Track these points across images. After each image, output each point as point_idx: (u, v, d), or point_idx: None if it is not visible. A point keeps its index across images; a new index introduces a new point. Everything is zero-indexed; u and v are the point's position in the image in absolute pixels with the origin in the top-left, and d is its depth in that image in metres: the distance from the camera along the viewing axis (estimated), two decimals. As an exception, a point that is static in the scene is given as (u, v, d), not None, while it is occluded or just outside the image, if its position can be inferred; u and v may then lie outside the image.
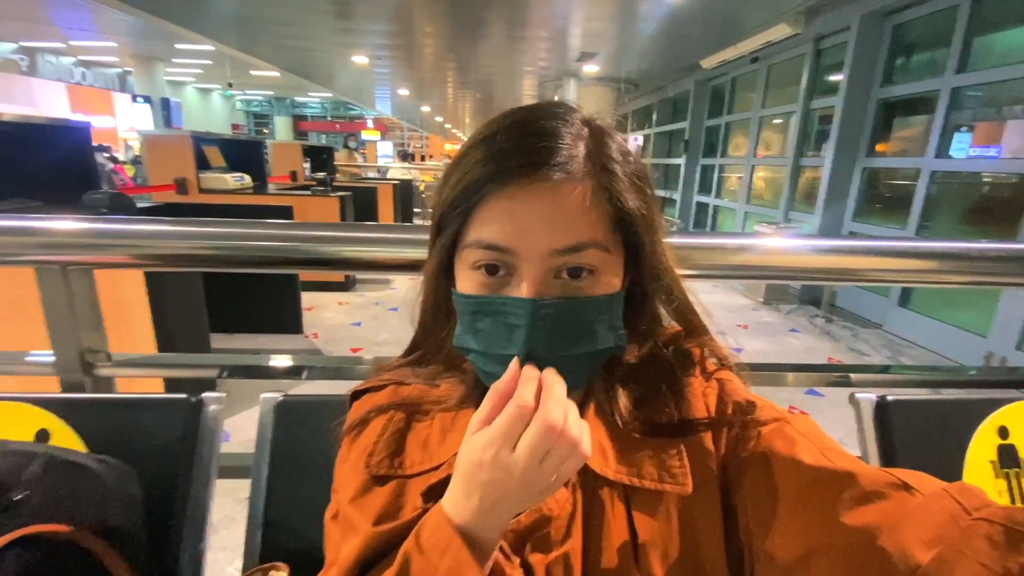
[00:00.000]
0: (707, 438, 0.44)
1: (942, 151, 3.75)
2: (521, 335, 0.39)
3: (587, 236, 0.40)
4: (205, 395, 0.71)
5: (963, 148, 3.70)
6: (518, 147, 0.40)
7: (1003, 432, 0.75)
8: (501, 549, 0.40)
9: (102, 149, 8.74)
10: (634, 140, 9.38)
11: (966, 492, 0.32)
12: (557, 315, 0.40)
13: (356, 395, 0.53)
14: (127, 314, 1.83)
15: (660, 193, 9.04)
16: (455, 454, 0.43)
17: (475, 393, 0.48)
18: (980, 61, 3.54)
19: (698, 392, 0.46)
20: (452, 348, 0.49)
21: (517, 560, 0.41)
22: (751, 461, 0.41)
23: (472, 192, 0.41)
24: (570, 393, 0.43)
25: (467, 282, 0.43)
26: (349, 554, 0.41)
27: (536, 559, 0.41)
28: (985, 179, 3.66)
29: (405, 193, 6.85)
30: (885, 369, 0.96)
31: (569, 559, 0.41)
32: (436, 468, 0.45)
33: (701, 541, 0.41)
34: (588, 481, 0.43)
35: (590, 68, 7.64)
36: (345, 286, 4.63)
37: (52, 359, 0.78)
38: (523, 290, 0.40)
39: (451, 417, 0.47)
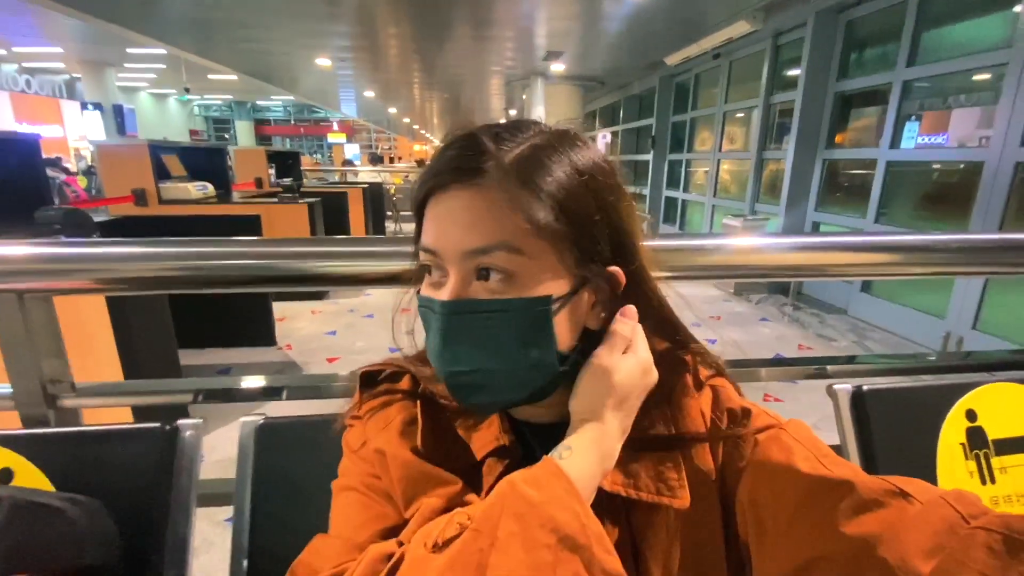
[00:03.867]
0: (704, 448, 0.44)
1: (896, 141, 3.92)
2: (438, 341, 0.42)
3: (496, 238, 0.40)
4: (181, 422, 0.68)
5: (912, 137, 3.87)
6: (445, 157, 0.42)
7: (971, 415, 0.79)
8: None
9: (52, 163, 8.34)
10: (602, 137, 9.47)
11: (964, 500, 0.32)
12: (462, 315, 0.41)
13: (369, 376, 0.51)
14: (89, 339, 1.74)
15: (629, 189, 9.14)
16: (491, 450, 0.44)
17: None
18: (929, 54, 3.70)
19: (692, 401, 0.46)
20: None
21: None
22: (748, 470, 0.41)
23: (418, 201, 0.44)
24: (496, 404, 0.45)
25: (423, 283, 0.45)
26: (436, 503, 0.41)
27: None
28: (935, 166, 3.84)
29: (375, 197, 6.76)
30: (853, 359, 0.99)
31: None
32: (470, 466, 0.45)
33: (702, 551, 0.41)
34: None
35: (557, 67, 7.68)
36: (318, 295, 4.54)
37: (11, 392, 0.74)
38: (447, 287, 0.41)
39: (471, 418, 0.47)
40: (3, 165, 2.28)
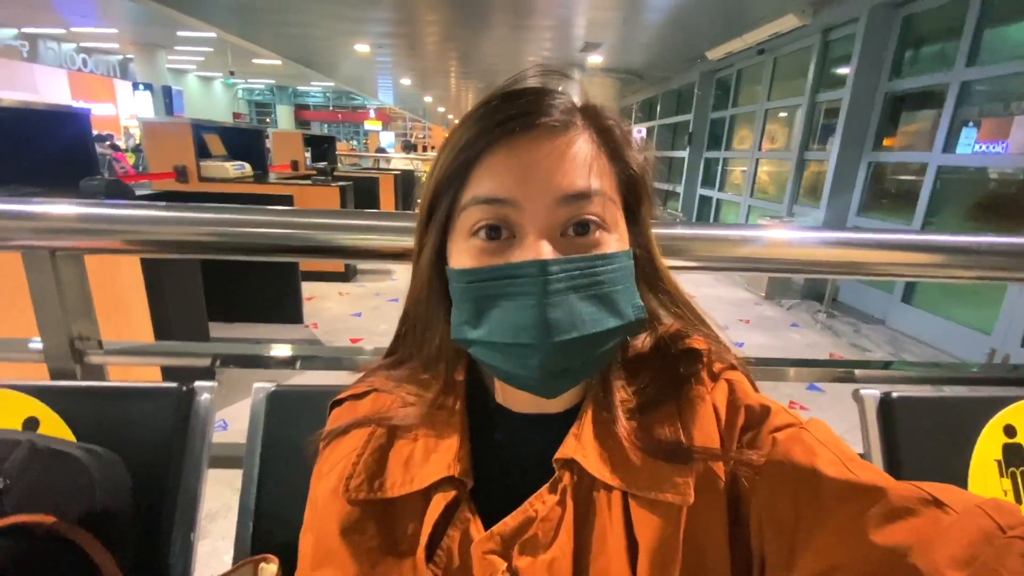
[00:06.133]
0: (714, 442, 0.41)
1: (950, 146, 3.71)
2: (533, 312, 0.36)
3: (596, 183, 0.38)
4: (197, 384, 0.70)
5: (968, 144, 3.66)
6: (514, 103, 0.39)
7: (1009, 431, 0.74)
8: (491, 552, 0.39)
9: (103, 139, 8.72)
10: (637, 132, 9.30)
11: (1001, 509, 0.30)
12: (572, 277, 0.37)
13: (337, 403, 0.51)
14: (124, 302, 1.82)
15: (663, 186, 9.00)
16: (439, 479, 0.41)
17: (444, 397, 0.46)
18: (991, 54, 3.49)
19: (705, 396, 0.43)
20: (432, 347, 0.47)
21: (504, 564, 0.39)
22: (765, 470, 0.39)
23: (468, 149, 0.39)
24: (577, 381, 0.42)
25: (464, 255, 0.40)
26: None
27: (524, 562, 0.39)
28: (992, 175, 3.62)
29: (407, 183, 6.82)
30: (888, 365, 0.94)
31: (558, 562, 0.39)
32: (418, 492, 0.42)
33: (705, 550, 0.39)
34: (584, 484, 0.41)
35: (594, 59, 7.57)
36: (345, 276, 4.63)
37: (41, 346, 0.77)
38: (527, 245, 0.37)
39: (435, 437, 0.44)
40: (56, 137, 2.40)
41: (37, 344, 0.77)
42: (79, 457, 0.56)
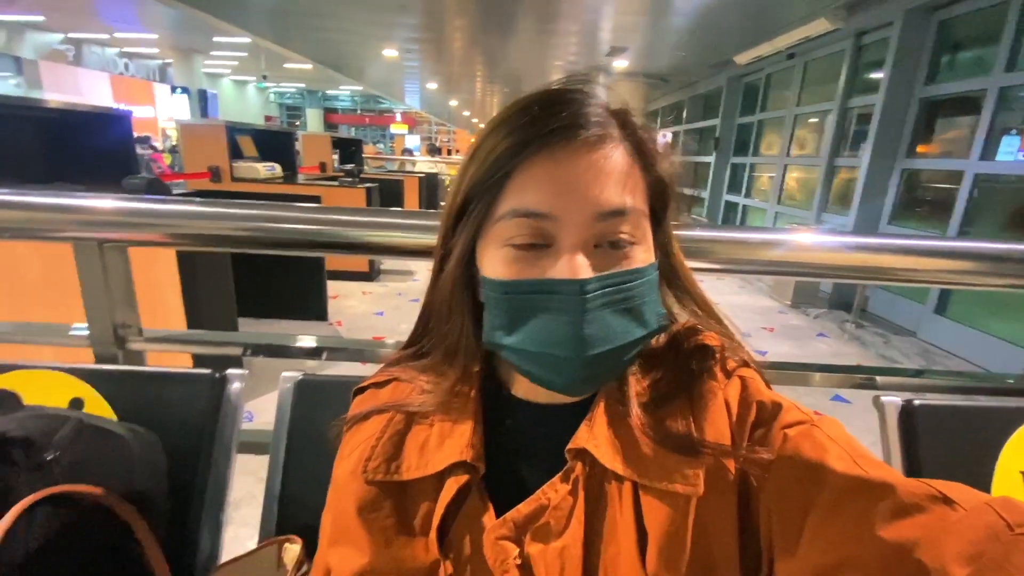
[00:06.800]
0: (725, 437, 0.42)
1: (988, 153, 3.59)
2: (570, 328, 0.38)
3: (630, 200, 0.40)
4: (229, 371, 0.73)
5: (1011, 152, 3.52)
6: (553, 112, 0.39)
7: (1037, 443, 0.72)
8: (503, 538, 0.40)
9: (142, 140, 9.06)
10: (662, 137, 9.23)
11: (1011, 507, 0.30)
12: (607, 294, 0.39)
13: (359, 391, 0.53)
14: (159, 293, 1.90)
15: (688, 192, 8.89)
16: (452, 464, 0.43)
17: (460, 386, 0.47)
18: (1033, 59, 3.37)
19: (718, 392, 0.44)
20: (453, 340, 0.49)
21: (516, 550, 0.40)
22: (776, 465, 0.39)
23: (507, 159, 0.39)
24: (602, 384, 0.44)
25: (497, 263, 0.41)
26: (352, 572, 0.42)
27: (535, 549, 0.40)
28: (1033, 183, 3.49)
29: (431, 186, 6.91)
30: (914, 373, 0.92)
31: (569, 550, 0.40)
32: (432, 476, 0.44)
33: (714, 543, 0.40)
34: (595, 474, 0.42)
35: (620, 63, 7.54)
36: (369, 276, 4.71)
37: (87, 332, 0.82)
38: (564, 259, 0.39)
39: (450, 424, 0.46)
40: (99, 137, 2.51)
41: (83, 330, 0.82)
42: (121, 435, 0.59)
